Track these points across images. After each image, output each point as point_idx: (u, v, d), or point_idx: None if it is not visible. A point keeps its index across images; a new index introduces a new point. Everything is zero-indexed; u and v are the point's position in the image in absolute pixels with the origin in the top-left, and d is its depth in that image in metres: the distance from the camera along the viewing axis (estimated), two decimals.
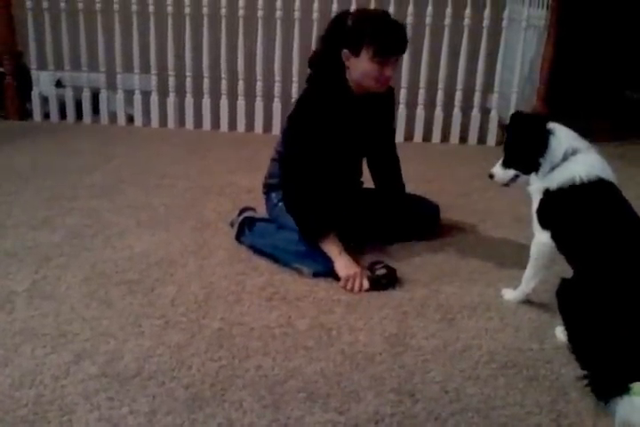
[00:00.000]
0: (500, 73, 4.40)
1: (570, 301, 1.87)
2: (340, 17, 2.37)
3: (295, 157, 2.40)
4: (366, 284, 2.23)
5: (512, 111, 4.31)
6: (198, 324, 1.97)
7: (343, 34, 2.31)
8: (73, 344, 1.84)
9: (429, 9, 4.22)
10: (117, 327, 1.94)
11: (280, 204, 2.49)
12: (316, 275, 2.32)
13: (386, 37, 2.27)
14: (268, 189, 2.60)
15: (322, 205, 2.36)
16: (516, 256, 2.48)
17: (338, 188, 2.57)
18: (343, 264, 2.28)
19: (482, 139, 4.49)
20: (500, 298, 2.22)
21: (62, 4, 4.46)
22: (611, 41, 6.46)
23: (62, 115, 4.71)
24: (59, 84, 4.69)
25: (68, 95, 4.63)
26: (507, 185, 2.16)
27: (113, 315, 2.01)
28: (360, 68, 2.31)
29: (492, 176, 2.17)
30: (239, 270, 2.34)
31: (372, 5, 4.17)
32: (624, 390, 1.61)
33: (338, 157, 2.51)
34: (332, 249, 2.32)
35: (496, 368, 1.81)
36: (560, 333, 1.95)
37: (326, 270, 2.31)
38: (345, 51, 2.31)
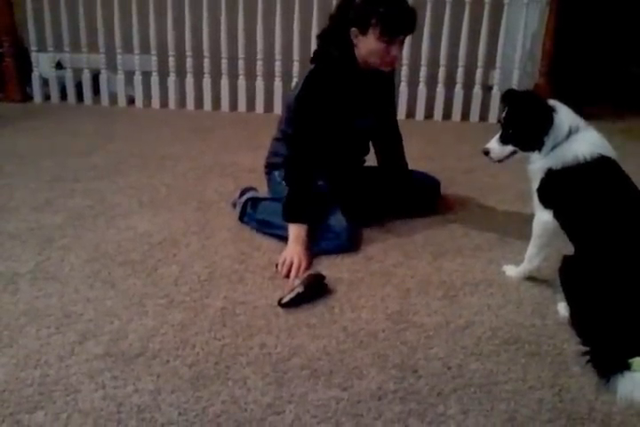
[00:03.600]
0: (502, 49, 4.36)
1: (572, 277, 1.87)
2: None
3: (302, 137, 2.40)
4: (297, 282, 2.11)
5: (514, 87, 4.31)
6: (201, 303, 1.98)
7: (352, 12, 2.31)
8: (77, 324, 1.85)
9: None
10: (121, 307, 1.95)
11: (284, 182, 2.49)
12: (321, 252, 2.33)
13: (393, 17, 2.27)
14: (270, 168, 2.60)
15: (315, 194, 2.39)
16: (518, 232, 2.48)
17: (343, 165, 2.59)
18: (290, 249, 2.27)
19: (483, 116, 4.46)
20: (502, 274, 2.22)
21: None
22: (615, 16, 6.40)
23: (63, 96, 4.70)
24: (59, 65, 4.67)
25: (68, 77, 4.62)
26: (501, 161, 2.14)
27: (116, 295, 2.02)
28: (367, 46, 2.32)
29: (487, 153, 2.14)
30: (242, 250, 2.34)
31: None
32: (625, 366, 1.62)
33: (344, 135, 2.52)
34: (293, 233, 2.32)
35: (498, 344, 1.82)
36: (562, 308, 1.96)
37: (329, 248, 2.33)
38: (353, 29, 2.32)
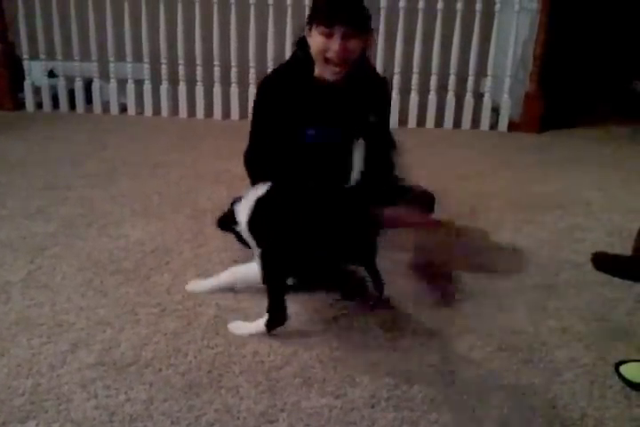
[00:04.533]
0: (494, 57, 4.38)
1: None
2: None
3: (256, 135, 2.36)
4: None
5: (506, 95, 4.34)
6: (194, 311, 1.97)
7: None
8: (69, 333, 1.84)
9: None
10: (113, 316, 1.94)
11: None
12: None
13: (329, 5, 2.15)
14: None
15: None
16: (510, 241, 2.49)
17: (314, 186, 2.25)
18: None
19: (475, 123, 4.48)
20: (494, 280, 2.22)
21: None
22: (605, 22, 6.44)
23: (55, 104, 4.69)
24: (51, 73, 4.66)
25: (61, 85, 4.61)
26: None
27: (109, 304, 2.01)
28: (313, 43, 2.17)
29: None
30: (234, 257, 2.34)
31: None
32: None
33: (296, 146, 2.28)
34: None
35: (491, 351, 1.82)
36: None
37: None
38: (306, 27, 2.20)
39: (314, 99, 2.24)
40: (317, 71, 2.21)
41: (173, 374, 1.67)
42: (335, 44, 2.12)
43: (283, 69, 2.30)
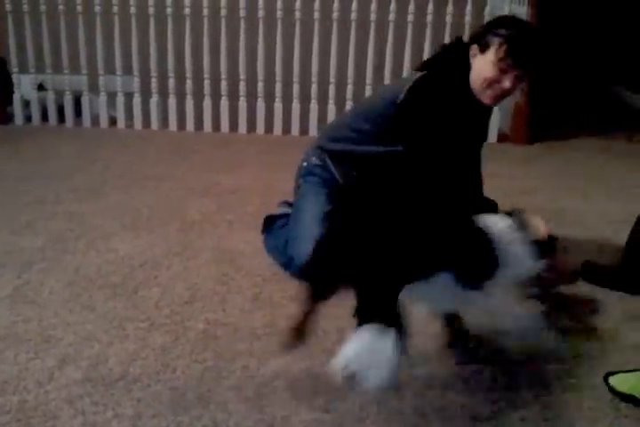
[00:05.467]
0: None
1: None
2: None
3: (424, 148, 2.14)
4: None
5: (495, 107, 4.36)
6: (183, 325, 1.97)
7: (480, 29, 2.16)
8: (56, 349, 1.83)
9: (411, 6, 4.22)
10: (101, 331, 1.93)
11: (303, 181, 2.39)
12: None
13: (523, 46, 2.05)
14: (306, 171, 2.44)
15: None
16: None
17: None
18: None
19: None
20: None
21: (43, 7, 4.42)
22: (594, 36, 6.51)
23: (44, 118, 4.67)
24: (41, 87, 4.65)
25: (50, 98, 4.60)
26: None
27: (97, 319, 2.00)
28: (480, 67, 2.09)
29: None
30: (224, 271, 2.33)
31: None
32: None
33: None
34: None
35: (479, 364, 1.82)
36: None
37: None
38: (474, 46, 2.11)
39: (467, 114, 2.19)
40: (475, 92, 2.13)
41: (162, 390, 1.66)
42: (508, 83, 2.06)
43: (436, 77, 2.16)
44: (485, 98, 2.12)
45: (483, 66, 2.08)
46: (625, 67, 6.35)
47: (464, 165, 2.28)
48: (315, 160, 2.42)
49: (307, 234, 2.15)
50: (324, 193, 2.36)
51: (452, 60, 2.18)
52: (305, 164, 2.45)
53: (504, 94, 2.12)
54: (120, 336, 1.90)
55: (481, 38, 2.10)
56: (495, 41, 2.05)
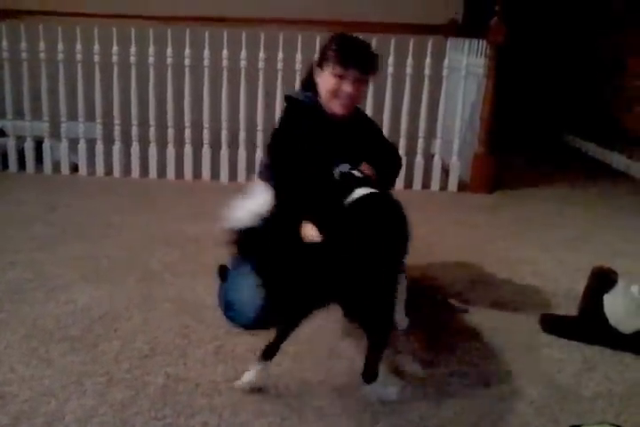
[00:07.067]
0: (443, 119, 4.51)
1: None
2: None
3: (281, 164, 2.31)
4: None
5: (455, 156, 4.46)
6: (142, 380, 1.93)
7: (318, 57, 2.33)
8: (11, 406, 1.78)
9: None
10: (58, 387, 1.88)
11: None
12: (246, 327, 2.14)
13: (345, 49, 2.26)
14: None
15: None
16: (460, 300, 2.52)
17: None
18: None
19: (426, 184, 4.56)
20: (449, 341, 2.23)
21: (5, 54, 4.43)
22: (546, 87, 6.75)
23: (4, 164, 4.63)
24: (1, 133, 4.62)
25: (10, 144, 4.57)
26: None
27: (54, 374, 1.95)
28: (323, 82, 2.29)
29: None
30: (185, 323, 2.31)
31: None
32: None
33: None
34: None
35: (447, 415, 1.82)
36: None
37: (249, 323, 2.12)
38: (315, 66, 2.32)
39: (329, 132, 2.32)
40: (327, 106, 2.30)
41: None
42: (348, 87, 2.24)
43: (296, 106, 2.35)
44: (336, 108, 2.29)
45: (324, 80, 2.27)
46: (575, 116, 6.59)
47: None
48: None
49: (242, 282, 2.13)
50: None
51: (303, 85, 2.39)
52: None
53: (352, 100, 2.27)
54: (78, 392, 1.86)
55: (318, 58, 2.30)
56: (328, 55, 2.25)
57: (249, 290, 2.12)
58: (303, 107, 2.35)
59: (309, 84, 2.36)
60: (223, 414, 1.78)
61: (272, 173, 2.37)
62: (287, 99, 2.43)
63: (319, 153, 2.29)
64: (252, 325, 2.06)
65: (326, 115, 2.34)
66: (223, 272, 2.44)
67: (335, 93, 2.27)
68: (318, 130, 2.33)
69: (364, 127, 2.49)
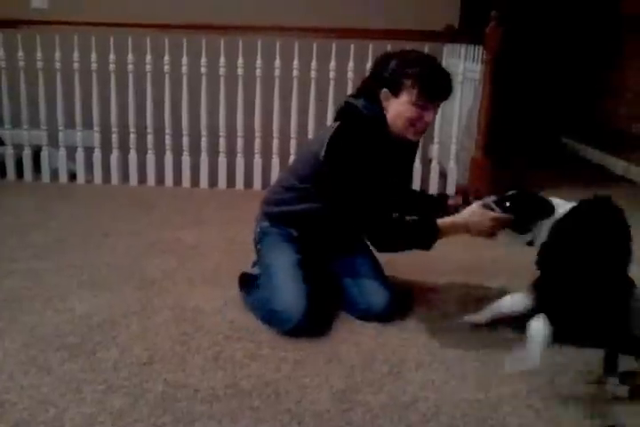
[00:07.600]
0: (440, 125, 4.52)
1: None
2: (385, 57, 2.32)
3: (359, 191, 2.23)
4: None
5: (452, 161, 4.47)
6: (141, 388, 1.92)
7: (385, 73, 2.25)
8: (10, 414, 1.77)
9: (369, 64, 4.33)
10: (57, 395, 1.88)
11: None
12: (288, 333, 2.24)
13: (431, 80, 2.20)
14: (262, 234, 2.54)
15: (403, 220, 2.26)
16: (458, 305, 2.51)
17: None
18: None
19: (424, 189, 4.56)
20: (444, 349, 2.22)
21: (2, 63, 4.44)
22: (544, 91, 6.76)
23: (2, 173, 4.63)
24: None
25: (9, 153, 4.57)
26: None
27: (53, 382, 1.95)
28: (398, 110, 2.22)
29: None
30: (183, 330, 2.30)
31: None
32: None
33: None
34: (455, 228, 2.26)
35: (444, 421, 1.81)
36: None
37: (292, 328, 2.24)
38: (385, 90, 2.23)
39: (395, 155, 2.34)
40: (397, 131, 2.27)
41: None
42: (429, 116, 2.22)
43: (353, 124, 2.29)
44: (410, 134, 2.27)
45: (401, 108, 2.22)
46: (574, 119, 6.60)
47: (397, 197, 2.44)
48: (266, 224, 2.53)
49: (285, 288, 2.29)
50: (286, 245, 2.45)
51: (363, 106, 2.29)
52: (258, 229, 2.55)
53: (427, 127, 2.29)
54: (77, 400, 1.85)
55: (389, 82, 2.23)
56: (406, 83, 2.19)
57: (292, 295, 2.27)
58: (367, 122, 2.28)
59: (371, 94, 2.28)
60: (223, 420, 1.77)
61: (325, 192, 2.32)
62: (347, 107, 2.35)
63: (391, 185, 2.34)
64: (301, 328, 2.22)
65: (392, 135, 2.30)
66: (245, 280, 2.51)
67: (413, 122, 2.23)
68: (387, 156, 2.31)
69: (414, 147, 2.53)
